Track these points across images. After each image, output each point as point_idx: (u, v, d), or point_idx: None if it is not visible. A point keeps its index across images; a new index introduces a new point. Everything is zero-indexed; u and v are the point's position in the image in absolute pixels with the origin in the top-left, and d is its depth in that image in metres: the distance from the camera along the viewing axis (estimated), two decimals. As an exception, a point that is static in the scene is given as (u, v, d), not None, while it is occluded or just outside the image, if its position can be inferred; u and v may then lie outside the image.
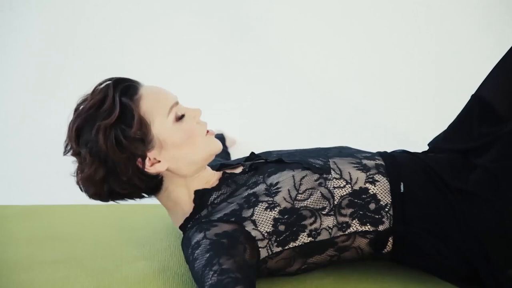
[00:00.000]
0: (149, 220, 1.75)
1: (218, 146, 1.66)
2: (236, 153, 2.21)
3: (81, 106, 1.56)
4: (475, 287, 1.60)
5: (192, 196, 1.64)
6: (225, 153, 2.32)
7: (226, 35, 3.07)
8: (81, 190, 1.60)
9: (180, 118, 1.61)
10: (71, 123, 1.57)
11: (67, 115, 2.22)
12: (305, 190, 1.60)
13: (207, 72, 2.94)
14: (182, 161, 1.61)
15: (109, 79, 1.58)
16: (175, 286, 1.63)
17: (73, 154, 1.58)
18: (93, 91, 1.57)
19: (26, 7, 3.06)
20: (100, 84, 1.58)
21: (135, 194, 1.63)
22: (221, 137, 2.42)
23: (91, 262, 1.73)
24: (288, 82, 2.88)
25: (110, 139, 1.52)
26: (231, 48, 3.04)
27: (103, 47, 3.00)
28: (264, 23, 3.09)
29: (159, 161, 1.58)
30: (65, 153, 1.59)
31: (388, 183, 1.62)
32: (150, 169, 1.58)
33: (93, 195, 1.60)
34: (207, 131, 1.65)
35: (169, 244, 1.78)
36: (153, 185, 1.62)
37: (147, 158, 1.57)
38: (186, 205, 1.64)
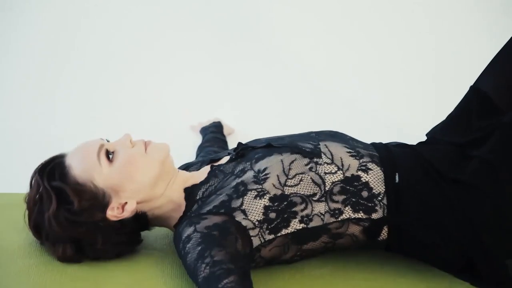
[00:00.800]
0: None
1: (164, 150, 1.64)
2: (234, 142, 2.21)
3: (29, 205, 1.61)
4: (471, 277, 1.60)
5: (178, 201, 1.64)
6: (222, 142, 2.31)
7: (224, 31, 3.07)
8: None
9: (111, 157, 1.60)
10: (28, 224, 1.62)
11: (69, 110, 2.24)
12: (295, 175, 1.58)
13: (207, 66, 2.94)
14: (144, 188, 1.61)
15: (35, 171, 1.61)
16: (173, 274, 1.62)
17: (47, 250, 1.65)
18: (30, 188, 1.61)
19: (26, 7, 3.07)
20: (32, 178, 1.62)
21: (124, 247, 1.66)
22: (218, 125, 2.42)
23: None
24: (286, 76, 2.87)
25: (63, 223, 1.56)
26: (229, 43, 3.04)
27: (103, 46, 3.01)
28: (262, 18, 3.09)
29: (126, 202, 1.59)
30: (43, 245, 1.66)
31: (382, 173, 1.61)
32: (124, 214, 1.59)
33: (92, 258, 1.64)
34: (145, 143, 1.64)
35: (167, 232, 1.77)
36: (140, 224, 1.65)
37: (114, 208, 1.58)
38: (178, 211, 1.64)
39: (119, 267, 1.65)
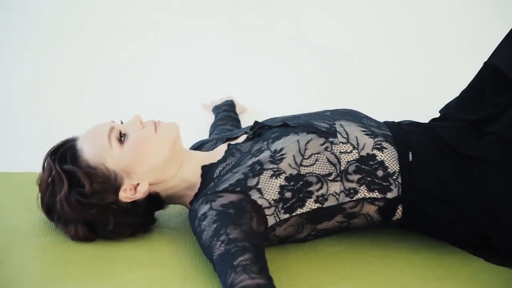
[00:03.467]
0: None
1: (174, 130, 1.64)
2: (247, 120, 2.21)
3: (41, 187, 1.63)
4: (485, 252, 1.61)
5: (194, 179, 1.64)
6: (235, 120, 2.31)
7: (238, 5, 3.07)
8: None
9: (122, 138, 1.61)
10: (40, 205, 1.64)
11: (71, 103, 2.21)
12: (311, 155, 1.58)
13: (216, 39, 2.93)
14: (156, 169, 1.62)
15: (47, 154, 1.63)
16: (186, 253, 1.64)
17: (59, 229, 1.66)
18: (42, 170, 1.63)
19: (26, 6, 3.07)
20: (44, 161, 1.63)
21: (137, 227, 1.66)
22: (231, 104, 2.42)
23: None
24: (299, 48, 2.87)
25: (74, 205, 1.58)
26: (240, 13, 3.04)
27: (109, 29, 2.98)
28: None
29: (138, 184, 1.60)
30: (56, 226, 1.67)
31: (396, 151, 1.61)
32: (137, 195, 1.60)
33: (99, 238, 1.66)
34: (155, 124, 1.64)
35: (180, 211, 1.78)
36: (154, 204, 1.66)
37: (127, 190, 1.59)
38: (193, 189, 1.65)
39: (134, 246, 1.66)
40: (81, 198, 1.57)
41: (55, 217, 1.63)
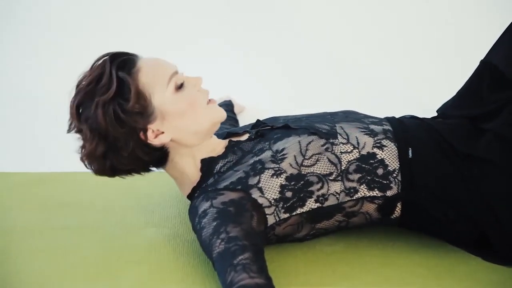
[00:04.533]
0: (159, 186, 1.77)
1: (222, 114, 1.65)
2: (245, 120, 2.21)
3: (81, 83, 1.56)
4: (483, 252, 1.61)
5: (199, 165, 1.64)
6: (233, 120, 2.31)
7: (236, 2, 3.09)
8: (86, 166, 1.60)
9: (180, 87, 1.60)
10: (72, 100, 1.57)
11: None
12: (312, 155, 1.59)
13: (215, 38, 2.95)
14: (186, 131, 1.61)
15: (107, 54, 1.57)
16: (184, 253, 1.64)
17: (76, 131, 1.58)
18: (91, 67, 1.57)
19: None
20: (98, 59, 1.57)
21: (139, 167, 1.63)
22: (229, 104, 2.42)
23: (101, 229, 1.75)
24: (297, 47, 2.88)
25: (109, 114, 1.52)
26: (237, 12, 3.05)
27: (104, 41, 2.96)
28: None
29: (163, 132, 1.58)
30: (68, 130, 1.59)
31: (396, 148, 1.61)
32: (154, 140, 1.58)
33: (97, 171, 1.60)
34: (209, 100, 1.64)
35: (178, 211, 1.79)
36: (158, 157, 1.62)
37: (150, 130, 1.57)
38: (193, 175, 1.64)
39: (132, 246, 1.67)
40: (119, 110, 1.53)
41: (82, 118, 1.55)
